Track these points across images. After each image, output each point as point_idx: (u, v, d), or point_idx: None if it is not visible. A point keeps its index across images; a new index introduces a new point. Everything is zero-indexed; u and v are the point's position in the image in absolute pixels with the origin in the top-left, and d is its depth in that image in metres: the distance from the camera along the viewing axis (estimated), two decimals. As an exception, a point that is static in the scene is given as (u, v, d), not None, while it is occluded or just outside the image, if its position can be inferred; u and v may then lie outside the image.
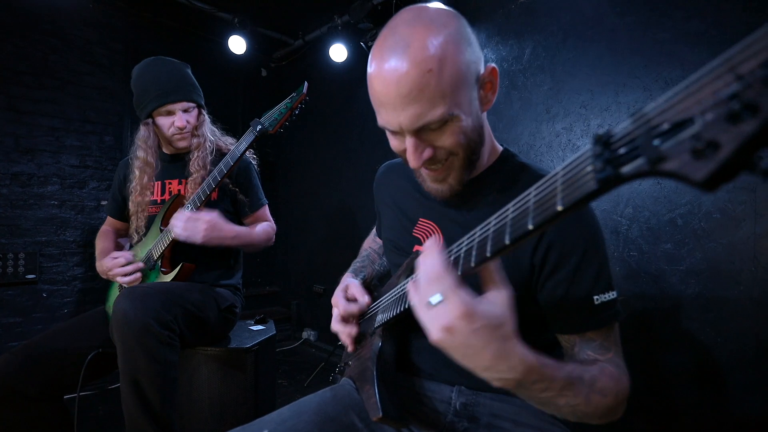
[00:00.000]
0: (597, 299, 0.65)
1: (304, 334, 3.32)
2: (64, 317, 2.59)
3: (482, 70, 0.67)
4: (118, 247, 1.60)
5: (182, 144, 1.44)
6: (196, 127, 1.46)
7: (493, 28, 2.25)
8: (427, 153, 0.66)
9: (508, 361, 0.48)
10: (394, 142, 0.71)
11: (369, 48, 2.54)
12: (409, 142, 0.66)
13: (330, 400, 0.78)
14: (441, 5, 0.69)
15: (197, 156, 1.43)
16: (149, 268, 1.39)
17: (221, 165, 1.29)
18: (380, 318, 0.77)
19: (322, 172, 3.40)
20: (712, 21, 1.52)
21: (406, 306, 0.65)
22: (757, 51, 0.24)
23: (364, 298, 0.84)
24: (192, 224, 1.28)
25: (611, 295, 0.66)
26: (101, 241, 1.56)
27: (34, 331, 2.47)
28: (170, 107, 1.39)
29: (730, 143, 0.24)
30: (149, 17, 2.93)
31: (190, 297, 1.27)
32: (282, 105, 1.26)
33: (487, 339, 0.46)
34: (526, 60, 2.11)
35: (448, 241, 0.57)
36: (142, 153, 1.44)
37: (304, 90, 1.26)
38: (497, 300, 0.49)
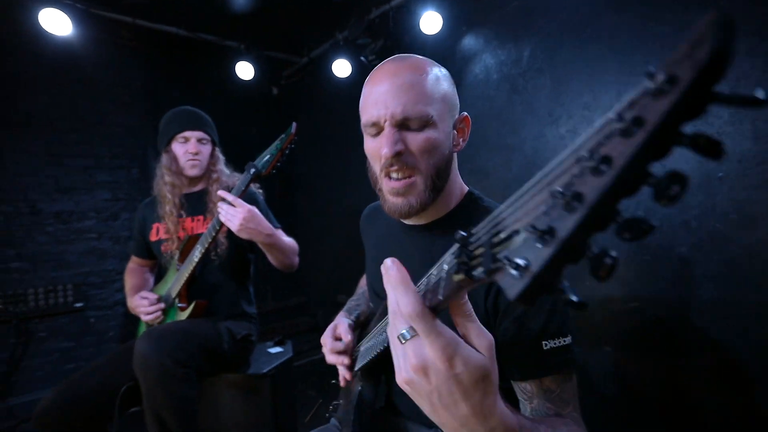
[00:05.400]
0: (546, 345, 0.64)
1: (332, 342, 3.43)
2: (112, 339, 2.83)
3: (457, 115, 0.76)
4: (146, 283, 1.73)
5: (195, 172, 1.55)
6: (213, 164, 1.59)
7: (490, 33, 2.21)
8: (399, 146, 0.70)
9: (487, 420, 0.40)
10: (370, 144, 0.75)
11: (369, 62, 2.56)
12: (388, 132, 0.70)
13: None
14: None
15: (215, 189, 1.54)
16: (169, 305, 1.51)
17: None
18: (359, 362, 0.82)
19: (338, 181, 3.47)
20: (713, 10, 1.43)
21: (379, 350, 0.67)
22: (561, 172, 0.25)
23: (347, 338, 0.87)
24: (232, 210, 1.32)
25: (563, 341, 0.65)
26: (130, 278, 1.69)
27: (87, 354, 2.71)
28: (187, 134, 1.54)
29: (537, 262, 0.24)
30: (162, 54, 3.10)
31: (204, 333, 1.37)
32: (272, 147, 1.32)
33: (467, 389, 0.39)
34: (525, 63, 2.06)
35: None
36: (168, 177, 1.55)
37: (293, 130, 1.31)
38: (480, 346, 0.41)
